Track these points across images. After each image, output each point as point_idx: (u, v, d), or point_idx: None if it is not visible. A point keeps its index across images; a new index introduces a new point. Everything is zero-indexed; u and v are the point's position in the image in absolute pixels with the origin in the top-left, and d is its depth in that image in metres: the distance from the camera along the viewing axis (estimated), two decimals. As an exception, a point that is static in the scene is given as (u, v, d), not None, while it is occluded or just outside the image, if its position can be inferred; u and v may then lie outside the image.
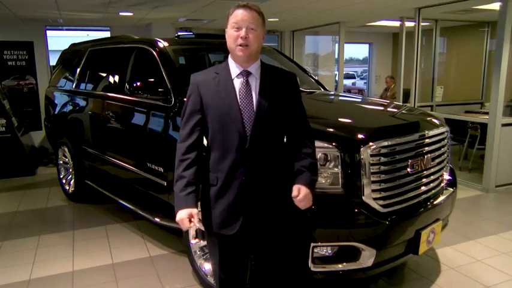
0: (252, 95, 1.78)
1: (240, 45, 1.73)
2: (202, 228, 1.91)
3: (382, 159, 2.36)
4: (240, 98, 1.77)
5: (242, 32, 1.72)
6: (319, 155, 2.28)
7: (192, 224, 1.76)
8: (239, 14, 1.74)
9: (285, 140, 1.90)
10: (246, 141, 1.74)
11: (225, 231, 1.82)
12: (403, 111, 3.12)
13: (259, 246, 1.92)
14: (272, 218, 1.85)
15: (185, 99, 1.91)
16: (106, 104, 3.86)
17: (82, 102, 4.36)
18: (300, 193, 1.79)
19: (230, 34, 1.76)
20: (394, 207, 2.41)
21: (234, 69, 1.81)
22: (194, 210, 1.77)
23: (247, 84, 1.79)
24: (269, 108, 1.77)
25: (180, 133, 1.86)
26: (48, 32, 7.83)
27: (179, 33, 4.20)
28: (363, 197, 2.31)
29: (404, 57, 6.52)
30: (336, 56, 9.15)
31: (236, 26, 1.74)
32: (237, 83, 1.79)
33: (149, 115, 3.26)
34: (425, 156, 2.60)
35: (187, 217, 1.75)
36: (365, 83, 16.01)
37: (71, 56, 4.95)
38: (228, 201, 1.79)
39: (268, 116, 1.77)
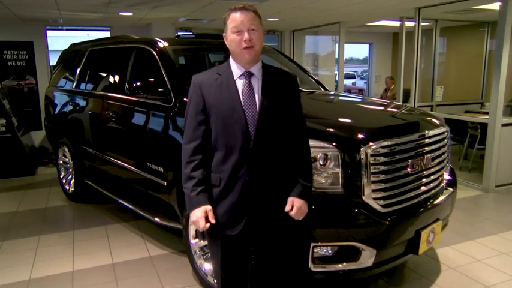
0: (254, 95, 1.79)
1: (245, 48, 1.73)
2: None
3: (382, 159, 2.36)
4: (243, 99, 1.77)
5: (245, 35, 1.72)
6: (319, 154, 2.28)
7: (207, 224, 1.77)
8: (237, 18, 1.74)
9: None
10: (249, 141, 1.75)
11: (229, 232, 1.82)
12: (403, 111, 3.12)
13: (261, 246, 1.92)
14: (274, 218, 1.85)
15: (185, 99, 1.91)
16: (106, 104, 3.86)
17: (82, 102, 4.36)
18: (294, 207, 1.83)
19: (232, 39, 1.76)
20: (394, 207, 2.41)
21: (236, 70, 1.82)
22: (208, 207, 1.78)
23: (249, 85, 1.79)
24: (272, 108, 1.78)
25: (185, 135, 1.86)
26: (48, 32, 7.83)
27: (179, 33, 4.20)
28: (363, 197, 2.31)
29: (404, 57, 6.52)
30: (336, 56, 9.16)
31: (237, 30, 1.74)
32: (240, 83, 1.80)
33: (149, 115, 3.25)
34: (425, 156, 2.60)
35: (203, 215, 1.76)
36: (365, 83, 16.02)
37: (71, 56, 4.95)
38: (232, 201, 1.79)
39: (271, 116, 1.78)
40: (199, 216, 1.77)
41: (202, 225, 1.77)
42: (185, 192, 1.83)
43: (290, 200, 1.84)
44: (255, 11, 1.78)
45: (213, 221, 1.78)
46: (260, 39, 1.77)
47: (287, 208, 1.83)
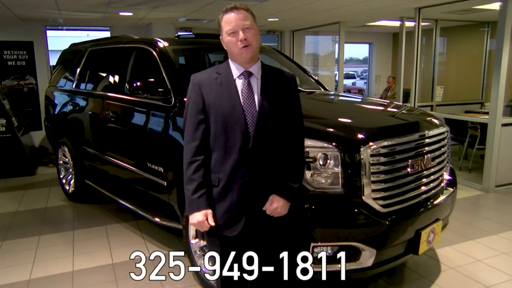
0: (254, 95, 1.79)
1: (243, 48, 1.74)
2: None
3: (382, 159, 2.36)
4: (242, 99, 1.77)
5: (240, 35, 1.73)
6: (319, 154, 2.28)
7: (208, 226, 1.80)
8: (230, 19, 1.75)
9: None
10: (249, 141, 1.75)
11: (228, 233, 1.82)
12: (403, 111, 3.12)
13: (260, 246, 1.92)
14: (273, 218, 1.84)
15: (185, 99, 1.91)
16: (106, 104, 3.86)
17: (82, 102, 4.36)
18: (272, 205, 1.80)
19: (229, 40, 1.77)
20: (394, 207, 2.41)
21: (236, 70, 1.82)
22: (209, 211, 1.80)
23: (249, 85, 1.80)
24: (271, 108, 1.78)
25: (185, 135, 1.86)
26: (48, 32, 7.83)
27: (179, 33, 4.20)
28: (363, 197, 2.31)
29: (404, 57, 6.52)
30: (336, 56, 9.15)
31: (232, 31, 1.75)
32: (239, 83, 1.80)
33: (149, 115, 3.25)
34: (425, 156, 2.60)
35: (204, 219, 1.78)
36: (365, 83, 16.02)
37: (71, 56, 4.95)
38: (231, 202, 1.79)
39: (271, 116, 1.78)
40: (201, 220, 1.78)
41: (206, 227, 1.80)
42: (186, 193, 1.84)
43: (271, 197, 1.82)
44: (247, 9, 1.78)
45: (213, 224, 1.80)
46: (256, 36, 1.77)
47: (265, 205, 1.81)
